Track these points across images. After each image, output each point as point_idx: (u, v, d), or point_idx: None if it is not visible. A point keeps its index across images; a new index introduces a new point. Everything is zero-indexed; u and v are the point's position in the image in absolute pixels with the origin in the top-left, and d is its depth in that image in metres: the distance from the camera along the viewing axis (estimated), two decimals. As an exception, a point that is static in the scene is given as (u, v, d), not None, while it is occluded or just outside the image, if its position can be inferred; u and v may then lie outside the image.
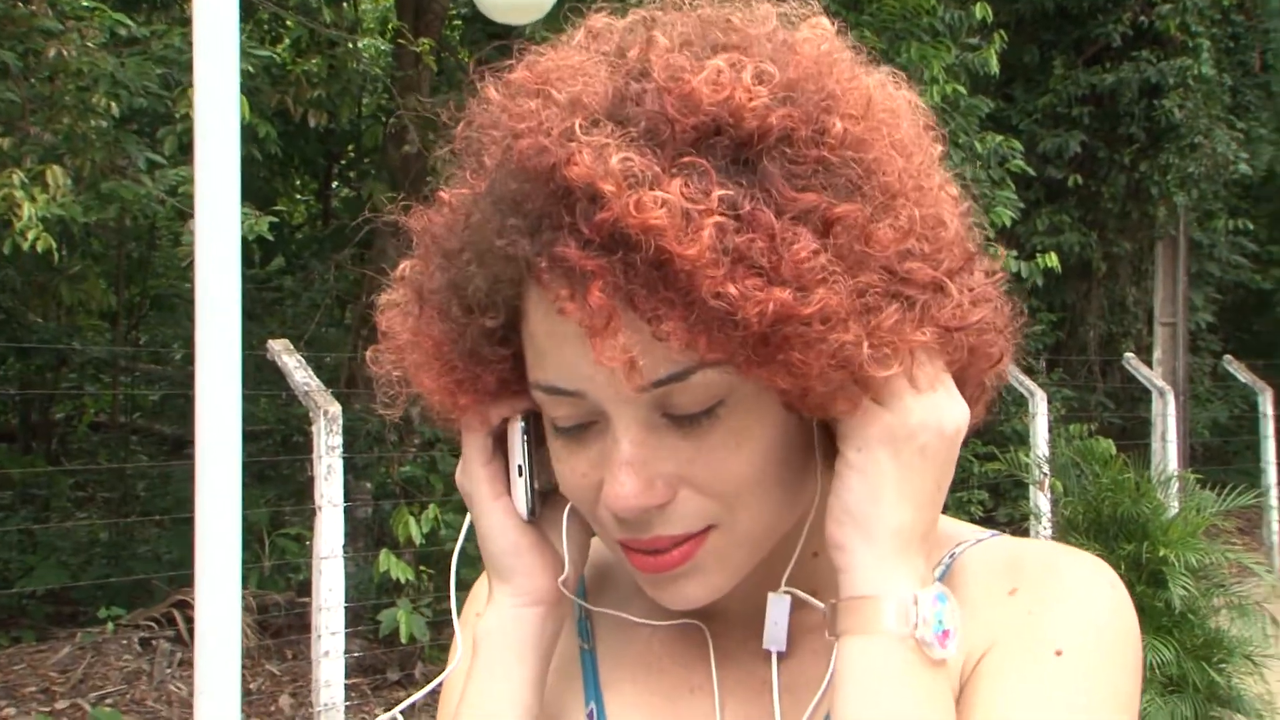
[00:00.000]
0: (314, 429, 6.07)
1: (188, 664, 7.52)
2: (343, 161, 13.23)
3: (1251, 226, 15.34)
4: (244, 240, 6.55)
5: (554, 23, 6.95)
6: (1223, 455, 14.57)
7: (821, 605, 0.94)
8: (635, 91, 0.85)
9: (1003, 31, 9.81)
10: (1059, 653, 0.91)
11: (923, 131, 0.95)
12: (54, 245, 5.78)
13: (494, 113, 0.90)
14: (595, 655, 1.08)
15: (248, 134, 7.39)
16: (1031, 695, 0.90)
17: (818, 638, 0.98)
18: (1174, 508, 6.61)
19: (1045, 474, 7.44)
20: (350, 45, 7.87)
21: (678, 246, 0.79)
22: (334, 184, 13.56)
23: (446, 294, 0.93)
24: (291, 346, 6.26)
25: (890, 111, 0.92)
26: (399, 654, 7.83)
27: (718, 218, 0.80)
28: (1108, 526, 6.04)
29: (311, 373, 6.17)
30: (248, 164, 7.72)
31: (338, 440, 6.10)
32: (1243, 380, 12.74)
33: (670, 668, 1.05)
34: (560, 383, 0.89)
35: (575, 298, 0.83)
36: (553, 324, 0.87)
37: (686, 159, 0.82)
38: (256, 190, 9.34)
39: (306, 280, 10.44)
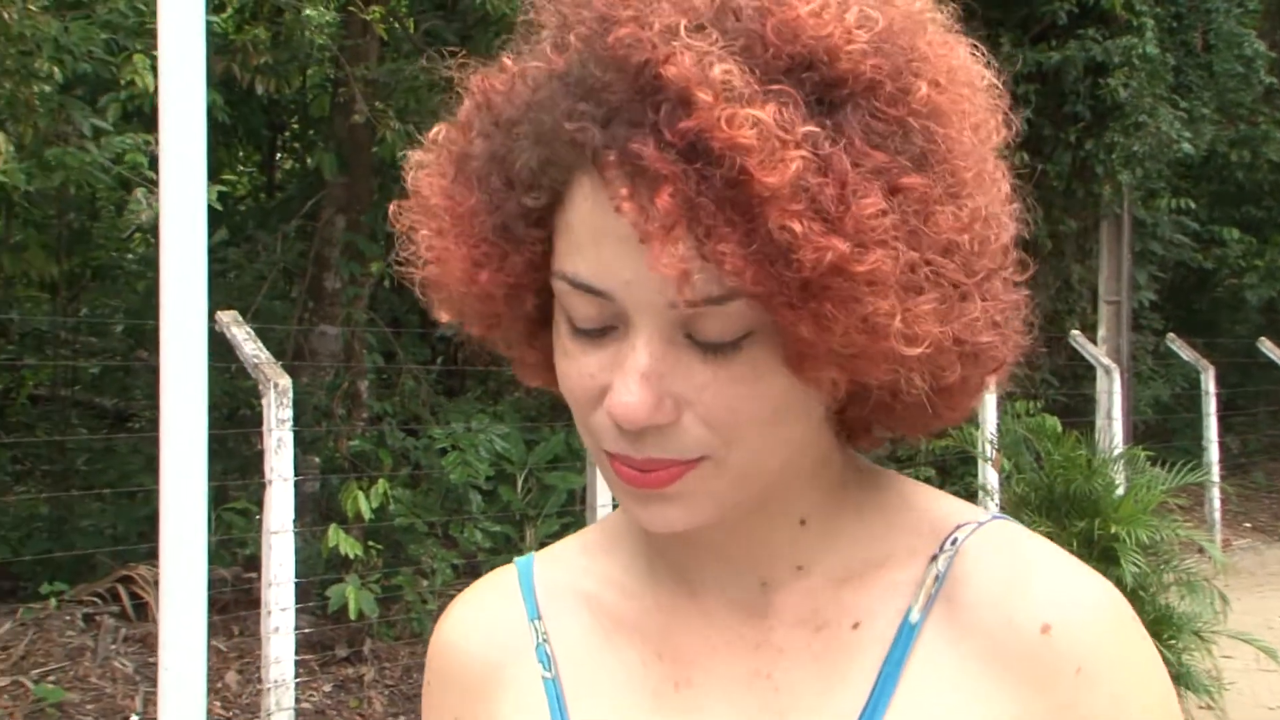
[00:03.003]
0: (264, 402, 5.99)
1: (132, 640, 7.42)
2: (286, 133, 13.05)
3: (1194, 206, 15.53)
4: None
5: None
6: (1163, 433, 14.76)
7: None
8: (737, 4, 0.82)
9: (952, 8, 9.83)
10: None
11: (993, 113, 0.92)
12: (-4, 214, 5.66)
13: None
14: (559, 682, 1.02)
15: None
16: None
17: (809, 628, 0.96)
18: (1122, 485, 6.67)
19: (996, 450, 7.48)
20: (298, 12, 7.73)
21: (759, 171, 0.76)
22: (278, 155, 13.39)
23: (487, 163, 0.89)
24: (240, 318, 6.16)
25: (971, 86, 0.89)
26: (347, 630, 7.78)
27: (803, 152, 0.78)
28: (1059, 503, 6.09)
29: (261, 345, 6.09)
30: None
31: (288, 414, 6.03)
32: (1185, 358, 12.91)
33: (653, 666, 1.00)
34: (592, 280, 0.85)
35: (634, 198, 0.79)
36: (599, 219, 0.83)
37: (777, 86, 0.79)
38: (201, 160, 9.16)
39: (252, 252, 10.29)
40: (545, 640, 1.04)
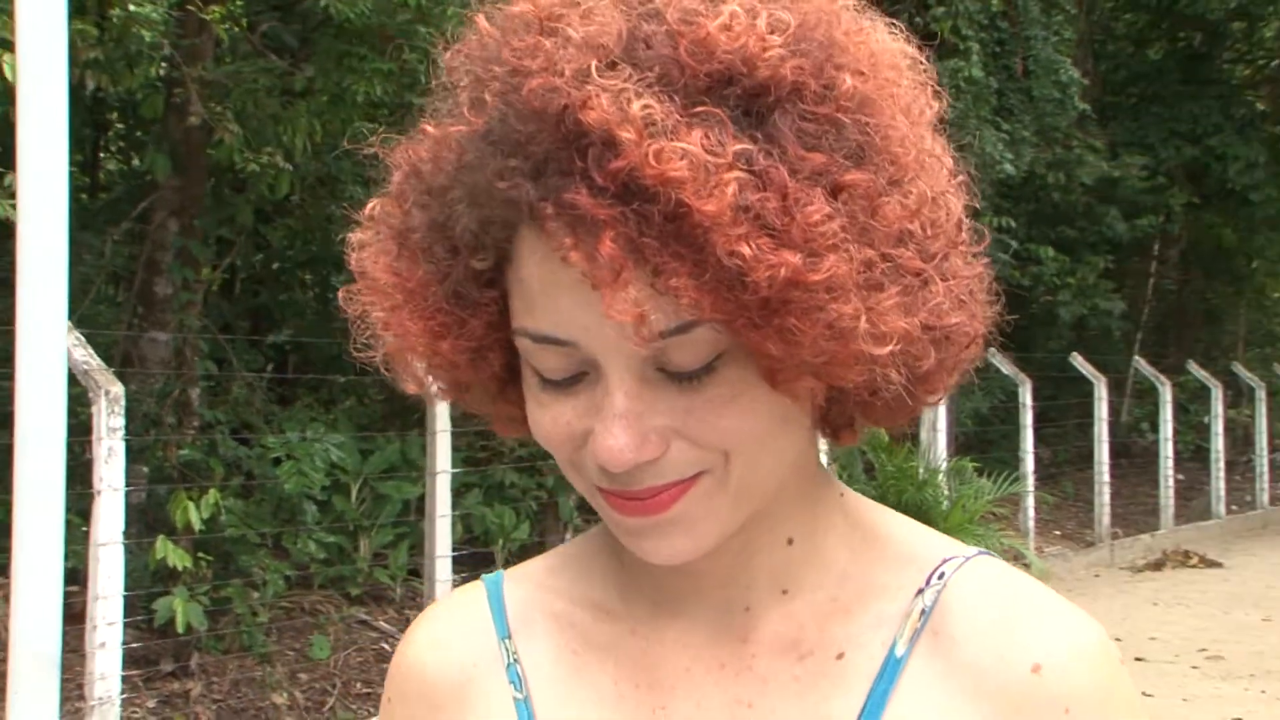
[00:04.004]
0: (94, 410, 5.81)
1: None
2: (110, 132, 12.66)
3: (1014, 225, 16.04)
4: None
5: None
6: (982, 444, 15.22)
7: None
8: (646, 33, 0.80)
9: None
10: None
11: (922, 90, 0.90)
12: None
13: (493, 47, 0.84)
14: (531, 703, 0.99)
15: (10, 98, 6.99)
16: None
17: (793, 656, 0.95)
18: (947, 495, 6.88)
19: (831, 460, 7.64)
20: (129, 8, 7.51)
21: (697, 201, 0.75)
22: (101, 155, 12.97)
23: (429, 233, 0.88)
24: (68, 324, 5.97)
25: (894, 69, 0.88)
26: (173, 644, 7.58)
27: (737, 173, 0.76)
28: (891, 513, 6.25)
29: (91, 351, 5.90)
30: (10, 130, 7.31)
31: (119, 422, 5.87)
32: (1005, 372, 13.34)
33: (629, 692, 0.97)
34: (553, 332, 0.84)
35: (580, 246, 0.78)
36: (548, 271, 0.82)
37: (700, 108, 0.78)
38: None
39: (76, 255, 9.94)
40: (516, 660, 1.01)
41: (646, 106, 0.76)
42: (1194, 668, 8.97)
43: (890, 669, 0.92)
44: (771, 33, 0.81)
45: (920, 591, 0.95)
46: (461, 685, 1.02)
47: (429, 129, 0.89)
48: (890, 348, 0.81)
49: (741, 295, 0.77)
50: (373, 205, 0.94)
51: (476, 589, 1.07)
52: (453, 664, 1.03)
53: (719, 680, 0.96)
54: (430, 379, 0.96)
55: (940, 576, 0.95)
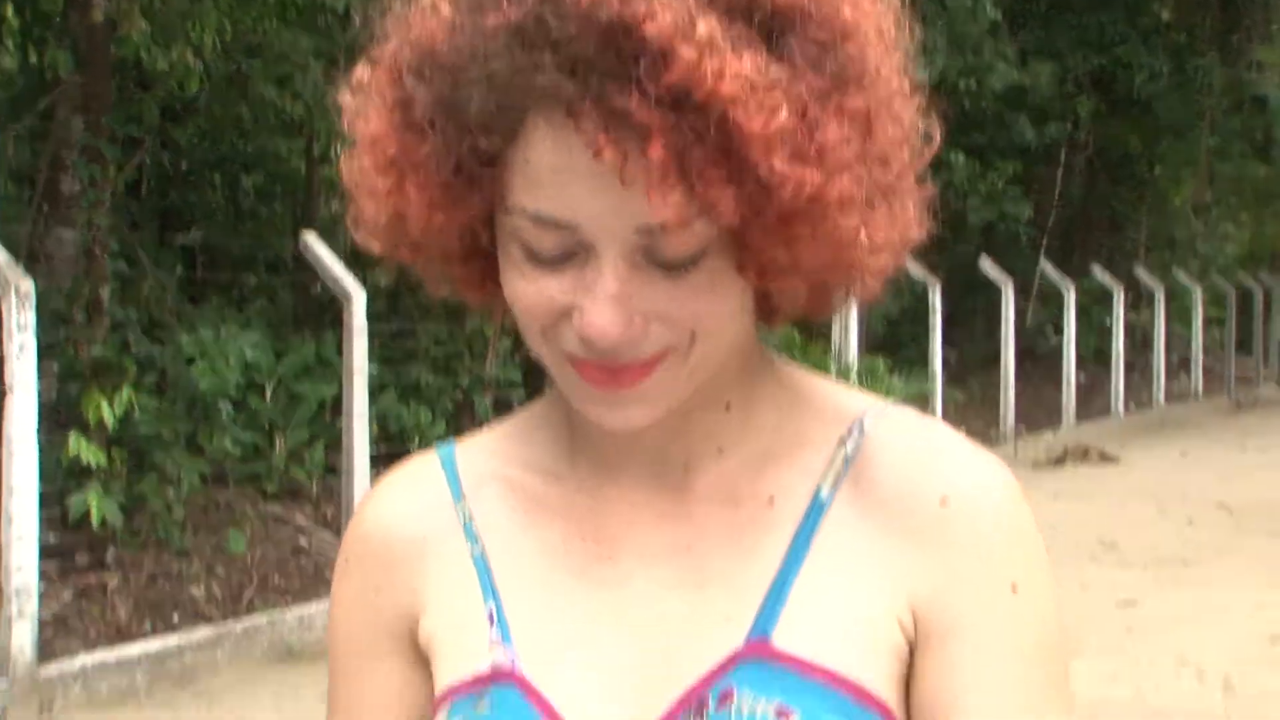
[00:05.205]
0: (4, 306, 5.78)
1: None
2: (4, 26, 12.33)
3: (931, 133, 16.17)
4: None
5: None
6: (892, 344, 15.48)
7: None
8: None
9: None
10: (1015, 588, 0.97)
11: (894, 23, 0.95)
12: None
13: None
14: (486, 556, 1.06)
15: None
16: (1001, 643, 0.96)
17: (728, 505, 1.03)
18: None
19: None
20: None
21: (745, 119, 0.81)
22: (-1, 50, 12.65)
23: (433, 108, 0.90)
24: (-25, 218, 5.92)
25: (880, 1, 0.93)
26: (89, 538, 7.60)
27: (779, 94, 0.82)
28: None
29: (1, 247, 5.86)
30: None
31: (30, 318, 5.85)
32: (915, 275, 13.56)
33: (577, 544, 1.05)
34: (555, 214, 0.89)
35: (614, 145, 0.83)
36: (561, 158, 0.87)
37: (737, 27, 0.83)
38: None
39: (-23, 151, 9.75)
40: (471, 519, 1.08)
41: (710, 27, 0.82)
42: (1092, 557, 9.32)
43: (815, 511, 1.01)
44: None
45: (843, 441, 1.03)
46: (420, 545, 1.09)
47: (444, 7, 0.91)
48: (884, 259, 0.92)
49: (765, 206, 0.85)
50: (362, 70, 0.97)
51: (430, 458, 1.14)
52: (411, 526, 1.10)
53: (660, 529, 1.04)
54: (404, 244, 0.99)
55: (860, 426, 1.03)
